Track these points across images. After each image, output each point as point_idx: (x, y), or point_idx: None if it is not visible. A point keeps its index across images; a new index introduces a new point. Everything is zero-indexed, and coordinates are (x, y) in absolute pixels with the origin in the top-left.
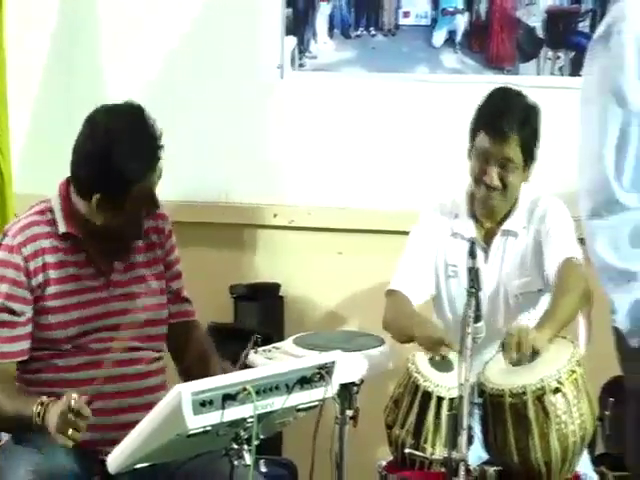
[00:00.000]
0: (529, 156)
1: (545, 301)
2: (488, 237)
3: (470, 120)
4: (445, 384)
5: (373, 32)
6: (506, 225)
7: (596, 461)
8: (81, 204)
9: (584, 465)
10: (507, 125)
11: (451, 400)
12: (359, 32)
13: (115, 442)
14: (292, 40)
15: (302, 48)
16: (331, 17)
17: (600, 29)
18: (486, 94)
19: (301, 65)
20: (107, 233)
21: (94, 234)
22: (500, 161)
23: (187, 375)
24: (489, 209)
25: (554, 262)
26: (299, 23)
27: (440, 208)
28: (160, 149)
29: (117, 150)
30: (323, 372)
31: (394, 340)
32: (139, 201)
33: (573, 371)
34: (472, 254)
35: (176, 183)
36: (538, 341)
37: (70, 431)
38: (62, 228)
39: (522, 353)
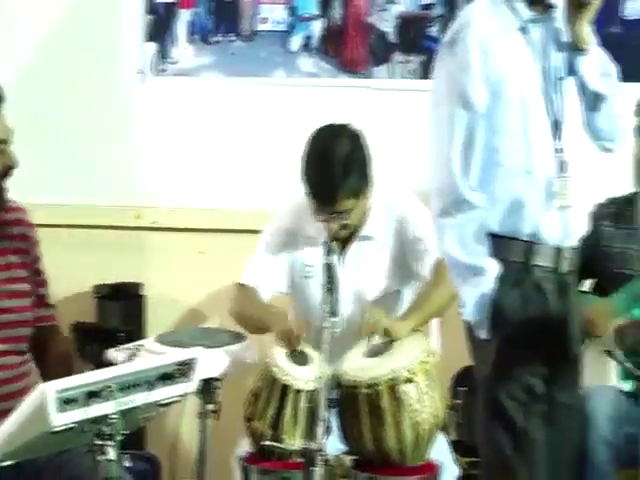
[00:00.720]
0: (364, 190)
1: (406, 299)
2: (344, 243)
3: (300, 163)
4: (303, 377)
5: (232, 38)
6: (363, 232)
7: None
8: None
9: (441, 454)
10: (330, 189)
11: (309, 392)
12: (218, 38)
13: None
14: (153, 46)
15: (163, 54)
16: (191, 23)
17: (447, 35)
18: (307, 143)
19: (162, 70)
20: None
21: None
22: (334, 212)
23: (48, 378)
24: (340, 239)
25: (427, 261)
26: (160, 29)
27: (297, 208)
28: None
29: None
30: (184, 368)
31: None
32: None
33: (425, 361)
34: (328, 251)
35: (40, 185)
36: (396, 329)
37: None
38: None
39: (376, 335)
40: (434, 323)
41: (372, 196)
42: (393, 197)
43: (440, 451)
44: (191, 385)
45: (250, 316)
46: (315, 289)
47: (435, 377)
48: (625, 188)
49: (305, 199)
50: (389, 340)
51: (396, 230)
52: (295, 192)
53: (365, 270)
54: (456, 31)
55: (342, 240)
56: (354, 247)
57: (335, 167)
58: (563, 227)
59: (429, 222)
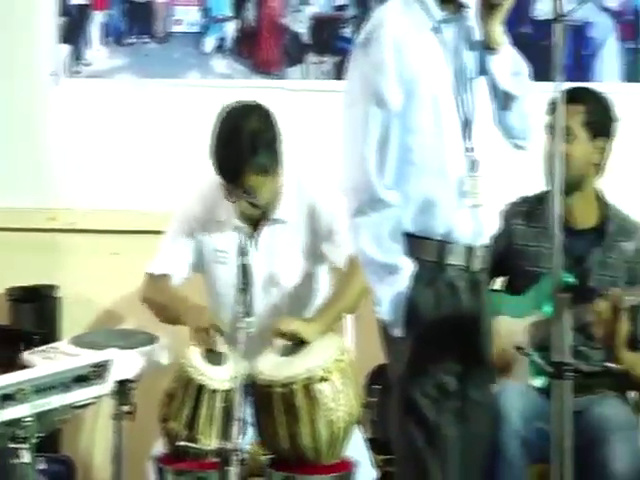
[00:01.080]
0: (272, 167)
1: (321, 280)
2: (256, 226)
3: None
4: (218, 377)
5: (146, 39)
6: (275, 215)
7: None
8: None
9: (358, 452)
10: (237, 164)
11: (224, 392)
12: (132, 39)
13: None
14: (66, 48)
15: (77, 55)
16: (105, 25)
17: (361, 36)
18: (217, 119)
19: (76, 72)
20: None
21: None
22: (243, 190)
23: None
24: (251, 217)
25: (341, 252)
26: (73, 31)
27: (205, 193)
28: None
29: None
30: (99, 370)
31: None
32: None
33: (340, 360)
34: (242, 251)
35: None
36: (306, 332)
37: None
38: None
39: (284, 338)
40: (348, 321)
41: (283, 178)
42: (304, 179)
43: (356, 449)
44: (106, 387)
45: (165, 306)
46: (227, 275)
47: (350, 375)
48: (537, 186)
49: (213, 184)
50: (299, 342)
51: (308, 215)
52: (203, 178)
53: (278, 254)
54: (369, 31)
55: (254, 223)
56: (266, 231)
57: (243, 142)
58: (475, 226)
59: (342, 211)
